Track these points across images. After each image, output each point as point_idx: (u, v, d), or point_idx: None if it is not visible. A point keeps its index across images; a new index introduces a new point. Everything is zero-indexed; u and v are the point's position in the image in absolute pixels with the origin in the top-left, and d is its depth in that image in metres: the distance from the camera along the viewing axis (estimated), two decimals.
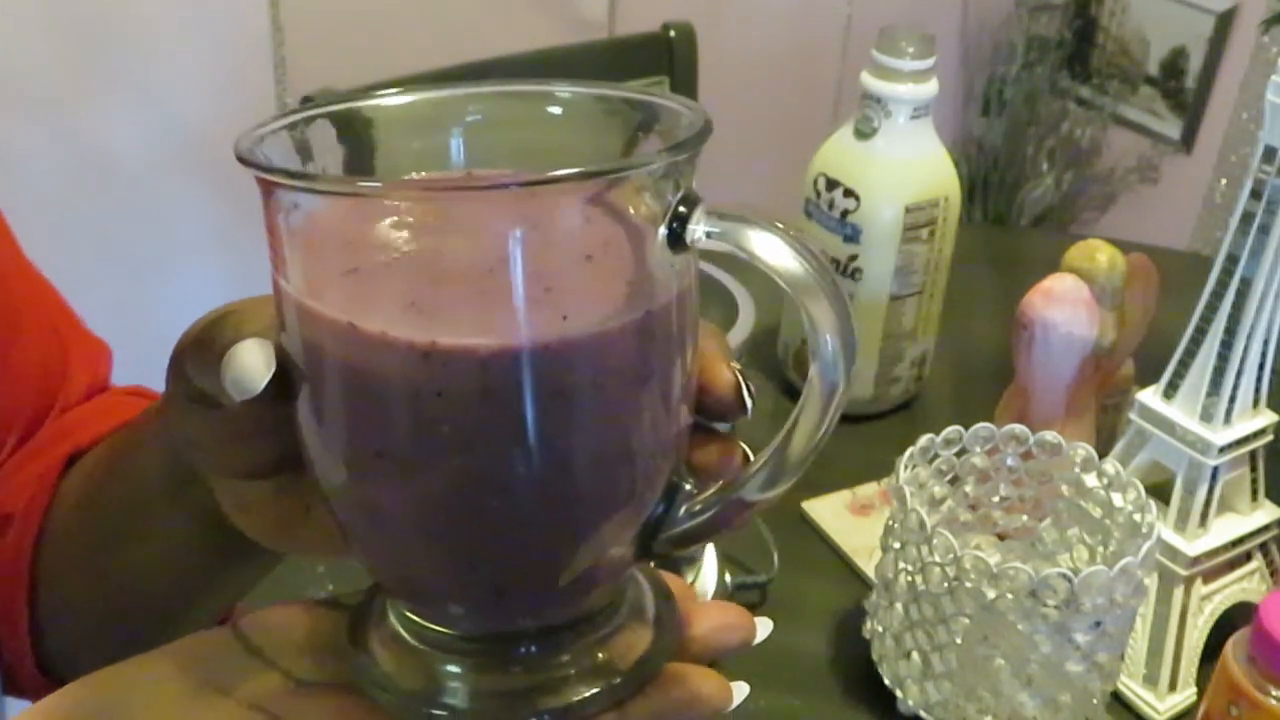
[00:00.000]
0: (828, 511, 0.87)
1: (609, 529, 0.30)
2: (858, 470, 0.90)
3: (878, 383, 0.96)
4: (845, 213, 0.90)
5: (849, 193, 0.89)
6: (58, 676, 0.49)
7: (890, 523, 0.68)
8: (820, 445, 0.30)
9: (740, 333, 0.65)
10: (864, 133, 0.90)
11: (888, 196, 0.89)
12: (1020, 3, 2.12)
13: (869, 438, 0.96)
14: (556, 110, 0.33)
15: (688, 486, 0.31)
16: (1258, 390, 0.71)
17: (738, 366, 0.32)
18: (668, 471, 0.31)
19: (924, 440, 0.71)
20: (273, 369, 0.29)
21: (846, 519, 0.87)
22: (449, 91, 0.32)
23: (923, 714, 0.68)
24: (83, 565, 0.47)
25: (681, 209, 0.28)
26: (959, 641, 0.65)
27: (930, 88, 0.89)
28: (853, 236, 0.90)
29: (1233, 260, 0.68)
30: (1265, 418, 0.72)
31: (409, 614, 0.33)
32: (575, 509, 0.29)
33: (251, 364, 0.29)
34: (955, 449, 0.72)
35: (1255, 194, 0.66)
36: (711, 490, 0.31)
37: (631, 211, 0.28)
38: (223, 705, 0.31)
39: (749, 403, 0.32)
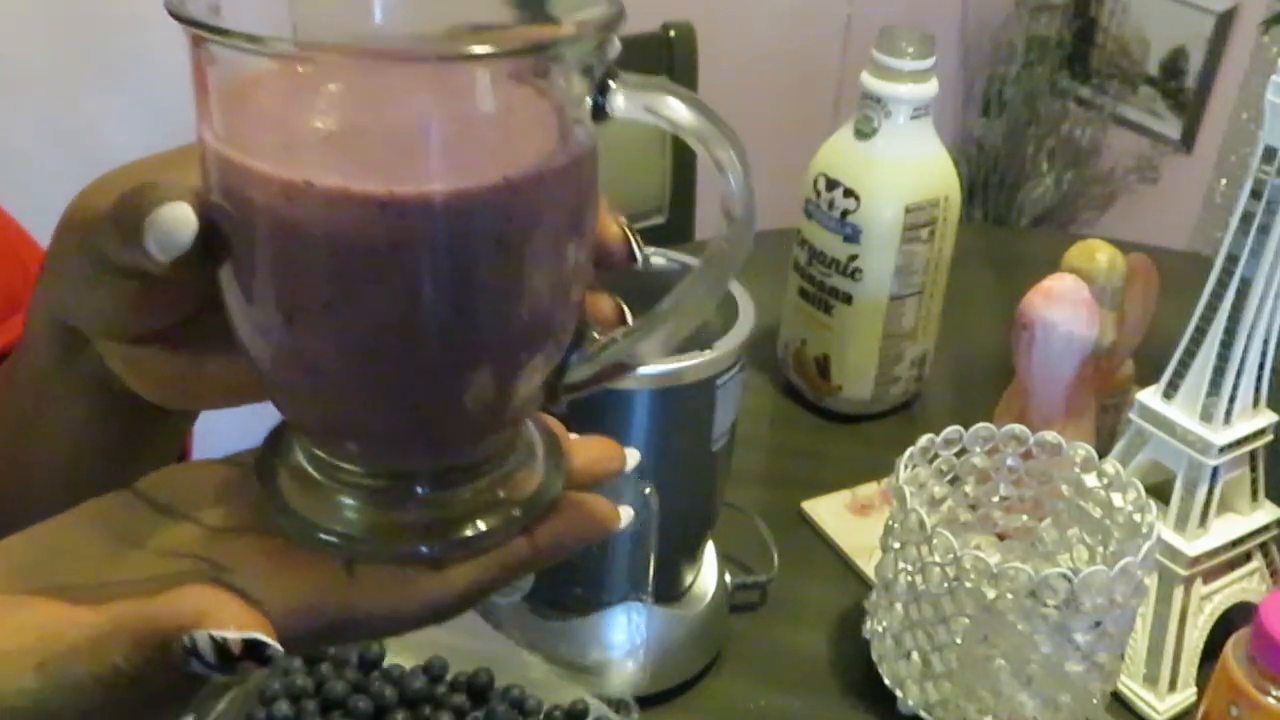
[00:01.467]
0: (828, 511, 0.87)
1: (532, 371, 0.32)
2: (858, 470, 0.90)
3: (878, 383, 0.96)
4: (845, 213, 0.90)
5: (849, 193, 0.89)
6: None
7: (890, 523, 0.68)
8: (714, 305, 0.32)
9: (740, 333, 0.65)
10: (864, 133, 0.90)
11: (888, 196, 0.89)
12: (1020, 3, 2.12)
13: (869, 438, 0.96)
14: None
15: (595, 335, 0.34)
16: (1258, 390, 0.71)
17: (624, 220, 0.35)
18: (577, 319, 0.33)
19: (924, 440, 0.71)
20: (196, 228, 0.30)
21: (846, 519, 0.87)
22: None
23: (923, 714, 0.68)
24: None
25: (609, 82, 0.30)
26: (959, 641, 0.65)
27: (930, 88, 0.89)
28: (853, 236, 0.90)
29: (1233, 260, 0.68)
30: (1265, 418, 0.72)
31: (317, 452, 0.34)
32: (508, 351, 0.31)
33: (177, 225, 0.30)
34: (955, 449, 0.72)
35: (1255, 194, 0.66)
36: (608, 339, 0.34)
37: (562, 81, 0.30)
38: (139, 556, 0.32)
39: (638, 252, 0.35)
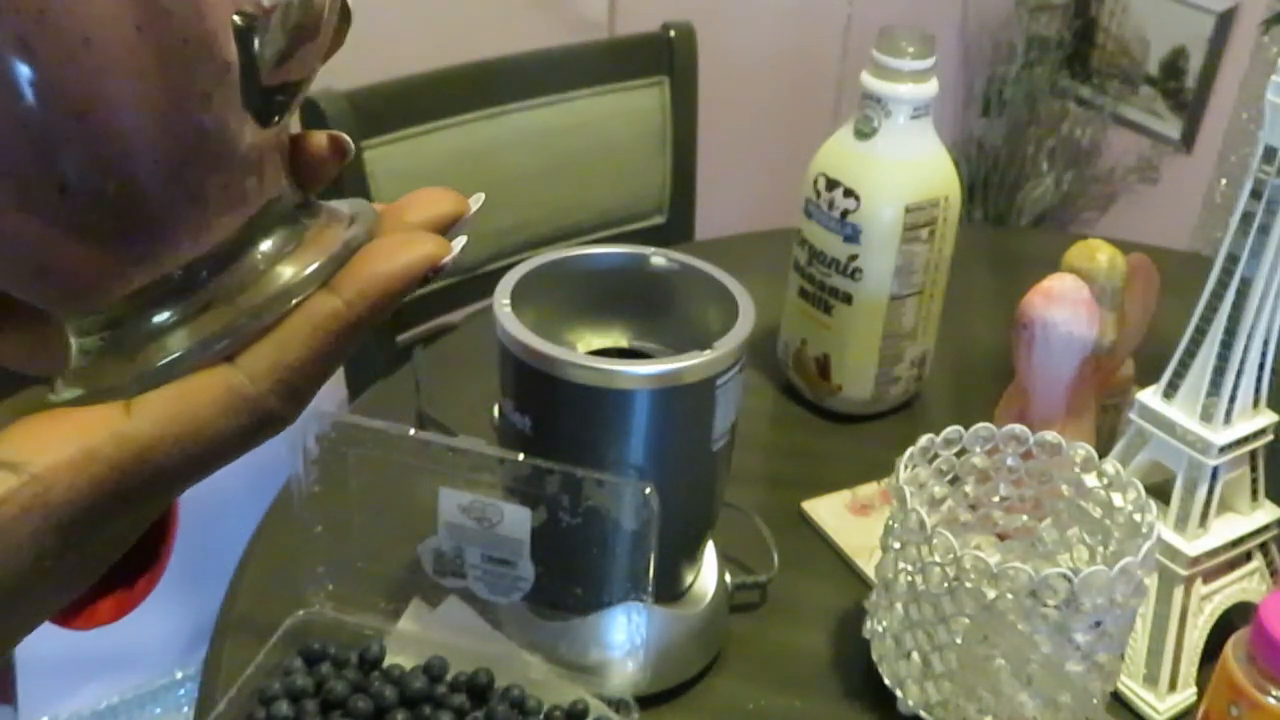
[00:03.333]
0: (828, 511, 0.87)
1: (197, 111, 0.27)
2: (858, 470, 0.90)
3: (878, 383, 0.96)
4: (845, 213, 0.90)
5: (849, 193, 0.89)
6: None
7: (890, 523, 0.68)
8: None
9: (740, 333, 0.65)
10: (864, 133, 0.90)
11: (888, 196, 0.89)
12: (1020, 3, 2.12)
13: (869, 438, 0.96)
14: None
15: (244, 21, 0.28)
16: (1258, 390, 0.71)
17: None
18: (229, 24, 0.28)
19: (924, 440, 0.71)
20: None
21: (846, 519, 0.87)
22: None
23: (923, 714, 0.68)
24: None
25: None
26: (959, 641, 0.65)
27: (930, 88, 0.89)
28: (853, 236, 0.90)
29: (1233, 260, 0.68)
30: (1265, 418, 0.72)
31: (67, 316, 0.30)
32: (140, 100, 0.26)
33: None
34: (955, 449, 0.72)
35: (1255, 194, 0.66)
36: (270, 12, 0.29)
37: None
38: None
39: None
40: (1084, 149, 2.11)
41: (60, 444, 0.28)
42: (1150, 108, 2.06)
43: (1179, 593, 0.72)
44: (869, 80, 0.89)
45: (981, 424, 0.72)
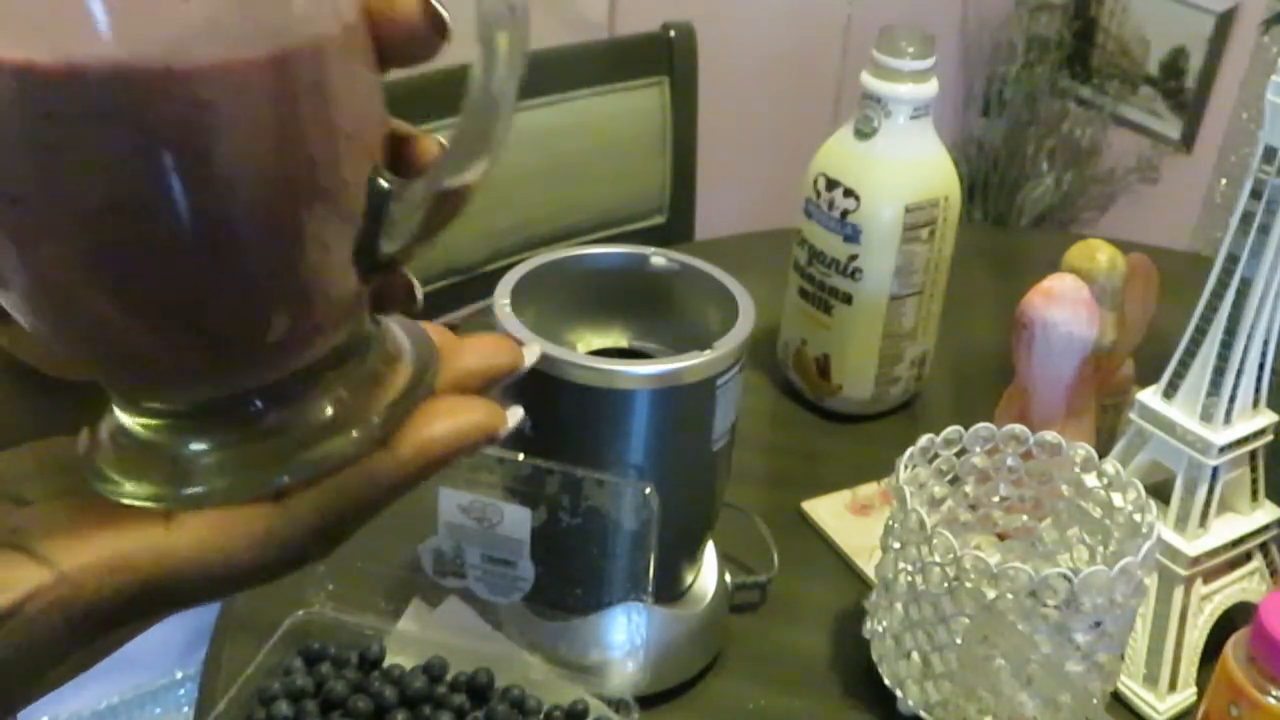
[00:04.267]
0: (828, 511, 0.87)
1: (311, 259, 0.27)
2: (858, 470, 0.90)
3: (878, 383, 0.96)
4: (845, 213, 0.90)
5: (849, 193, 0.89)
6: None
7: (890, 523, 0.68)
8: (511, 102, 0.27)
9: (740, 333, 0.65)
10: (864, 133, 0.90)
11: (888, 196, 0.89)
12: (1020, 3, 2.12)
13: (869, 438, 0.96)
14: None
15: (382, 183, 0.28)
16: (1258, 390, 0.71)
17: None
18: (365, 183, 0.27)
19: (924, 440, 0.71)
20: None
21: (846, 519, 0.87)
22: None
23: (923, 714, 0.68)
24: None
25: None
26: (959, 641, 0.65)
27: (930, 88, 0.89)
28: (853, 236, 0.90)
29: (1233, 260, 0.68)
30: (1265, 418, 0.72)
31: (126, 396, 0.29)
32: (262, 241, 0.26)
33: None
34: (955, 449, 0.72)
35: (1255, 194, 0.66)
36: (414, 185, 0.28)
37: None
38: None
39: (445, 20, 0.28)
40: (1084, 149, 2.11)
41: (96, 548, 0.28)
42: (1150, 108, 2.06)
43: (1179, 593, 0.72)
44: (869, 80, 0.89)
45: (981, 424, 0.72)
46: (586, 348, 0.71)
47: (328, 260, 0.27)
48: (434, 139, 0.29)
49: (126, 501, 0.28)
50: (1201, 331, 0.70)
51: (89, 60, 0.22)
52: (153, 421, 0.29)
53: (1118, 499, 0.69)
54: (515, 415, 0.31)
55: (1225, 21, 1.91)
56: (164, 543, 0.28)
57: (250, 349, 0.27)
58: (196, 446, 0.29)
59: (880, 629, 0.70)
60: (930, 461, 0.72)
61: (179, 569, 0.28)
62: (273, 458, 0.28)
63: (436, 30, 0.27)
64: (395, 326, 0.32)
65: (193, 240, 0.25)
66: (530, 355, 0.33)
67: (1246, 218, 0.66)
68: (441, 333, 0.32)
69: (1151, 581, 0.72)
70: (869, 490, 0.89)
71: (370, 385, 0.29)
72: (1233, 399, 0.70)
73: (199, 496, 0.28)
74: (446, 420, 0.30)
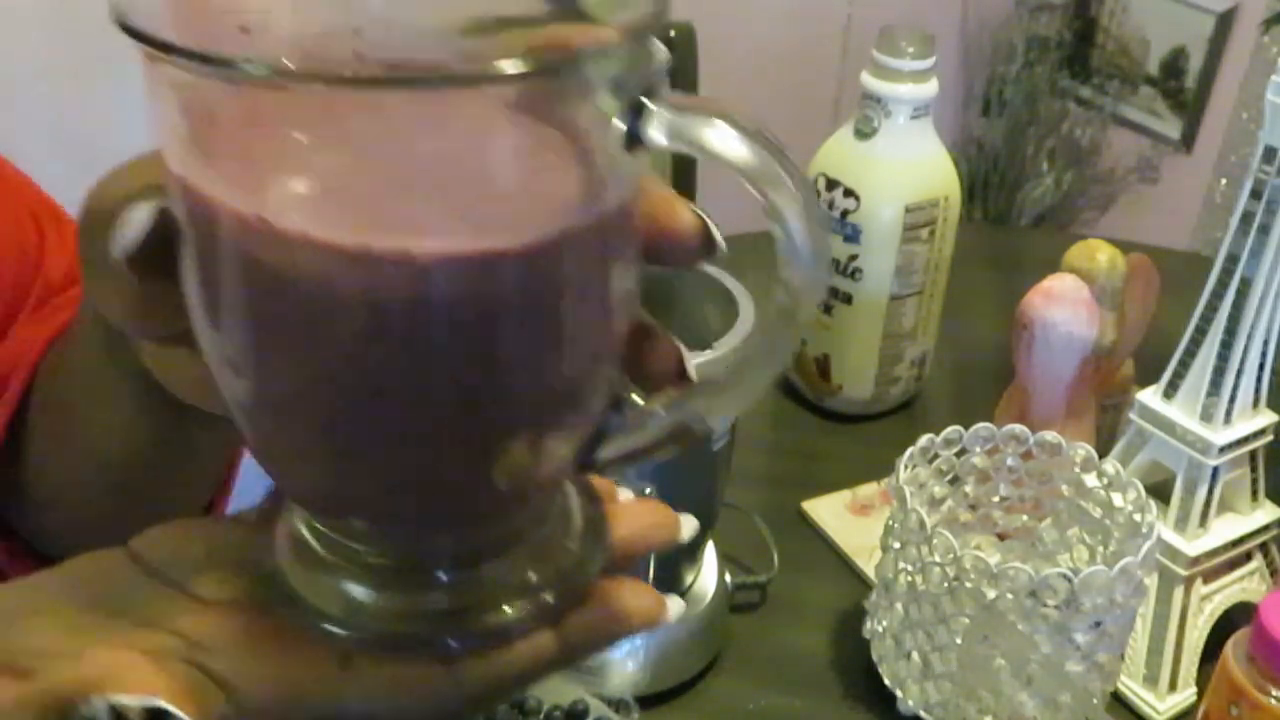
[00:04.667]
0: (828, 511, 0.87)
1: (549, 446, 0.27)
2: (858, 470, 0.90)
3: (878, 383, 0.96)
4: (845, 213, 0.90)
5: (849, 193, 0.89)
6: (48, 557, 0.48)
7: (890, 523, 0.68)
8: (783, 364, 0.27)
9: (740, 333, 0.65)
10: (864, 133, 0.90)
11: (888, 196, 0.89)
12: (1020, 3, 2.12)
13: (869, 438, 0.96)
14: None
15: (632, 397, 0.29)
16: (1258, 390, 0.71)
17: (696, 208, 0.29)
18: (610, 382, 0.28)
19: (924, 440, 0.71)
20: (146, 229, 0.27)
21: (846, 519, 0.86)
22: None
23: (923, 714, 0.68)
24: (49, 431, 0.46)
25: (644, 101, 0.24)
26: (959, 641, 0.65)
27: (930, 88, 0.89)
28: (853, 236, 0.90)
29: (1233, 260, 0.68)
30: (1265, 418, 0.72)
31: (319, 526, 0.30)
32: (514, 425, 0.26)
33: (127, 224, 0.27)
34: (955, 449, 0.72)
35: (1255, 194, 0.66)
36: (658, 403, 0.29)
37: (583, 105, 0.24)
38: (115, 626, 0.29)
39: (718, 239, 0.29)
40: (1084, 149, 2.11)
41: (273, 681, 0.29)
42: (1150, 108, 2.06)
43: (1179, 593, 0.72)
44: (869, 80, 0.89)
45: (981, 424, 0.72)
46: None
47: (557, 455, 0.28)
48: (675, 345, 0.30)
49: (311, 633, 0.29)
50: (1201, 331, 0.70)
51: (406, 254, 0.23)
52: (341, 554, 0.30)
53: (1118, 499, 0.69)
54: (676, 608, 0.31)
55: (1225, 21, 1.91)
56: (338, 685, 0.29)
57: (459, 521, 0.28)
58: (372, 588, 0.29)
59: (880, 629, 0.70)
60: (930, 461, 0.72)
61: (345, 711, 0.29)
62: (446, 614, 0.29)
63: (706, 249, 0.29)
64: (568, 486, 0.32)
65: (454, 425, 0.26)
66: (688, 528, 0.33)
67: (1246, 218, 0.66)
68: (602, 485, 0.33)
69: (1151, 581, 0.72)
70: (869, 490, 0.89)
71: (545, 550, 0.30)
72: (1233, 399, 0.70)
73: (383, 642, 0.29)
74: (613, 607, 0.30)
